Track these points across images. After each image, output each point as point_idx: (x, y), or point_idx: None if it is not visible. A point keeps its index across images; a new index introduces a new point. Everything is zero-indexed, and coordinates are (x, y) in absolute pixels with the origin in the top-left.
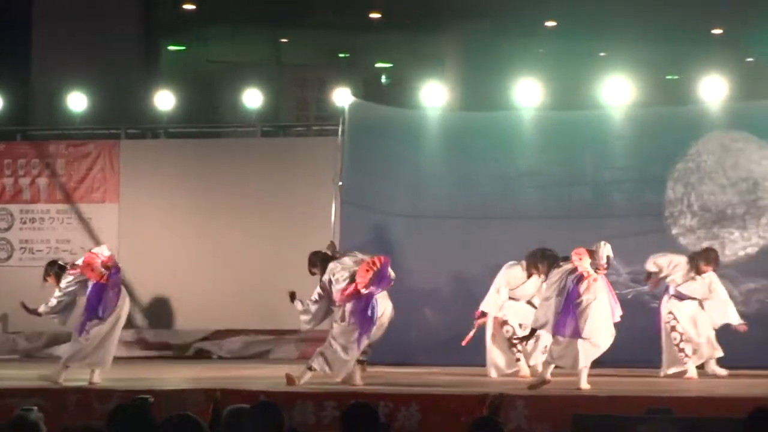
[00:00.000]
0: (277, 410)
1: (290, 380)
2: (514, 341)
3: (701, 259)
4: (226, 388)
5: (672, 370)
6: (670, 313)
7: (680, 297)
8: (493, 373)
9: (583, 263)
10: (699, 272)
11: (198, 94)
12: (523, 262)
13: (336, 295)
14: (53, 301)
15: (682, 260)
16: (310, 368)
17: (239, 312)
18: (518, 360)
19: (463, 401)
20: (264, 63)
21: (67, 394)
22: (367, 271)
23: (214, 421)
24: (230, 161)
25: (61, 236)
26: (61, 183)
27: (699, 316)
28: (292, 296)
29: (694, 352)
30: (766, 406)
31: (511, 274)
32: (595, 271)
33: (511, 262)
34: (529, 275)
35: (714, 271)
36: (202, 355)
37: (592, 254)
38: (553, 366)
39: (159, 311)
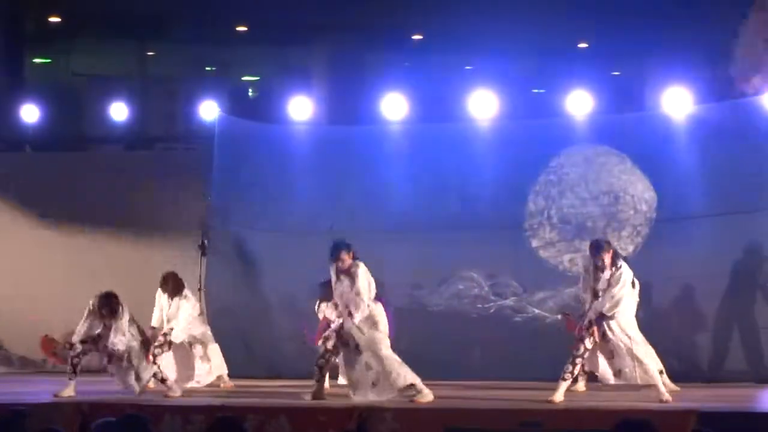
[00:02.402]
0: (143, 422)
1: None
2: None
3: None
4: (94, 401)
5: None
6: None
7: None
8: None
9: None
10: None
11: (64, 107)
12: None
13: None
14: None
15: None
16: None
17: None
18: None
19: (332, 414)
20: (130, 76)
21: None
22: None
23: None
24: (97, 175)
25: None
26: None
27: None
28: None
29: None
30: (631, 417)
31: None
32: None
33: None
34: None
35: None
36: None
37: None
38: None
39: (25, 325)
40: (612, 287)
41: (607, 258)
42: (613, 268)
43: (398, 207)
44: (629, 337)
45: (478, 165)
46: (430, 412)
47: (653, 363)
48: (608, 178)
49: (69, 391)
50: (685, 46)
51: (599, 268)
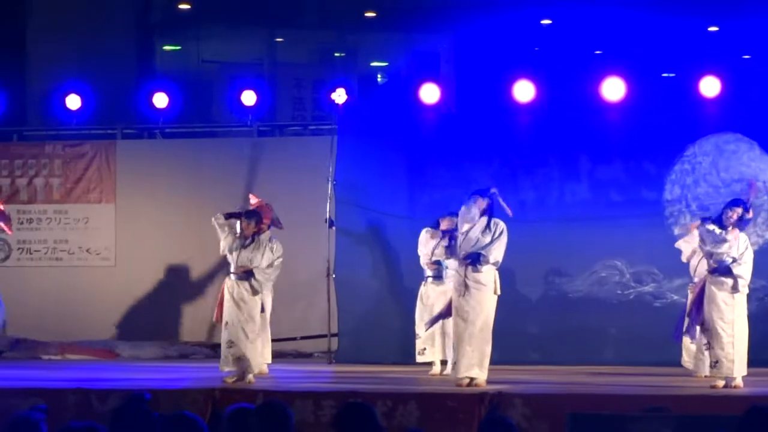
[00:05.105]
0: (283, 409)
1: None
2: None
3: None
4: (225, 387)
5: None
6: None
7: None
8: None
9: None
10: None
11: (193, 93)
12: None
13: None
14: None
15: None
16: None
17: None
18: None
19: (462, 400)
20: (259, 62)
21: (66, 394)
22: None
23: (214, 420)
24: (226, 161)
25: (59, 236)
26: (57, 183)
27: None
28: None
29: None
30: (761, 403)
31: None
32: None
33: None
34: None
35: None
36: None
37: None
38: None
39: (156, 311)
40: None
41: (735, 215)
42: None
43: (529, 193)
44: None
45: (609, 151)
46: (557, 397)
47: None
48: (739, 167)
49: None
50: None
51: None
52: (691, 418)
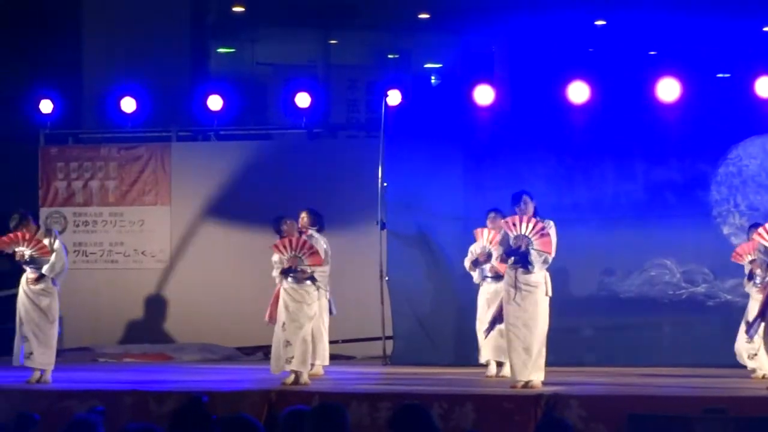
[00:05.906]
0: (341, 412)
1: None
2: None
3: None
4: (281, 389)
5: None
6: None
7: None
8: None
9: None
10: None
11: (247, 96)
12: None
13: None
14: None
15: None
16: None
17: None
18: None
19: (518, 401)
20: (313, 64)
21: (123, 396)
22: None
23: (270, 422)
24: (280, 163)
25: (114, 239)
26: (113, 186)
27: None
28: None
29: None
30: None
31: None
32: None
33: None
34: None
35: None
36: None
37: None
38: None
39: (211, 313)
40: None
41: None
42: None
43: (583, 193)
44: None
45: (664, 152)
46: (614, 398)
47: None
48: None
49: None
50: None
51: None
52: (750, 420)
